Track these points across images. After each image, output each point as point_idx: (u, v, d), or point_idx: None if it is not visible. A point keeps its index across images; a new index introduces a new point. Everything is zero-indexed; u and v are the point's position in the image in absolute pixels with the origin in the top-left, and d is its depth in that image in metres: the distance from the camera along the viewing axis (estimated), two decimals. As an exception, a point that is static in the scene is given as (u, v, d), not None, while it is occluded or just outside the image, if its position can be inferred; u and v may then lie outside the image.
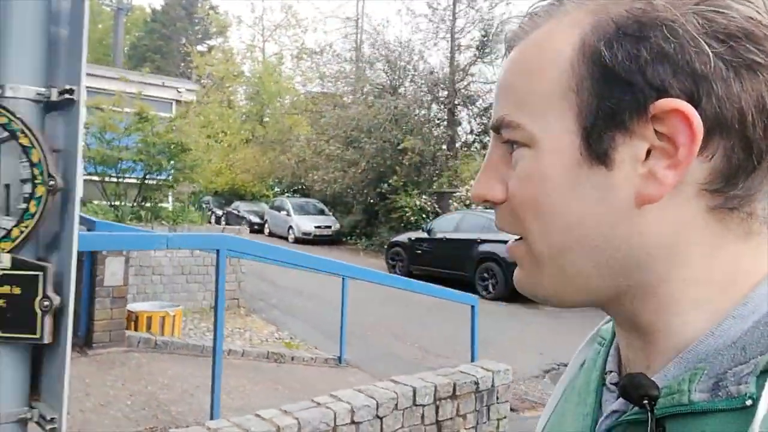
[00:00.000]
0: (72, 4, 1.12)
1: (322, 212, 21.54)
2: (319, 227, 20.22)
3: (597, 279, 0.50)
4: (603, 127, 0.46)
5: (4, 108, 1.09)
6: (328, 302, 9.58)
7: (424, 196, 18.20)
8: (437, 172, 19.16)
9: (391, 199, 18.86)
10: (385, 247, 15.95)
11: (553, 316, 10.60)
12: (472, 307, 4.90)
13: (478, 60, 21.29)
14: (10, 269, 1.08)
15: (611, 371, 0.58)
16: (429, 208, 17.97)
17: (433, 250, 13.73)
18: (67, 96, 1.11)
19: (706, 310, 0.48)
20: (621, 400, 0.52)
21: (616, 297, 0.51)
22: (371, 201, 20.08)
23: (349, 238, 20.75)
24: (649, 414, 0.46)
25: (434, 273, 12.94)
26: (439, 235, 13.69)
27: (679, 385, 0.46)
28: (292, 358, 6.14)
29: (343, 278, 6.16)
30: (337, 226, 20.81)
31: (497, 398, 4.34)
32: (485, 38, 20.81)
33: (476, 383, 4.16)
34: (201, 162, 12.22)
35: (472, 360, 4.83)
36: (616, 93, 0.45)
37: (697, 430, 0.44)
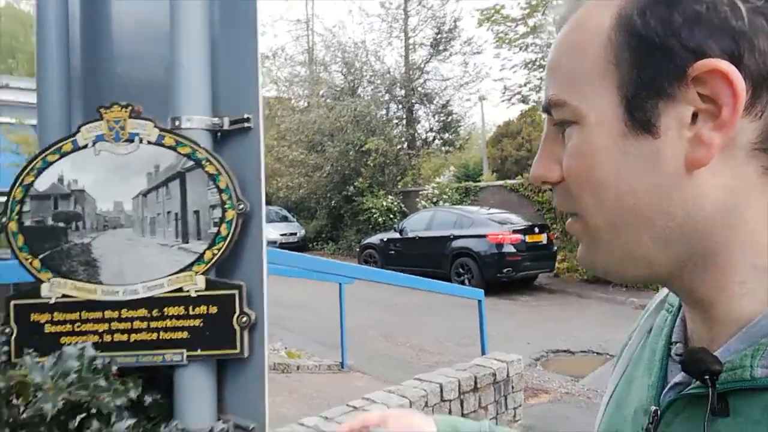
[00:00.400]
0: (242, 39, 1.18)
1: (285, 219, 21.37)
2: (284, 235, 20.06)
3: (655, 250, 0.49)
4: (645, 96, 0.46)
5: (186, 138, 1.15)
6: (312, 309, 9.58)
7: (390, 197, 18.34)
8: (401, 171, 19.33)
9: (357, 202, 18.92)
10: (358, 249, 16.01)
11: (530, 306, 10.92)
12: (479, 301, 5.06)
13: (433, 57, 21.59)
14: (205, 290, 1.14)
15: (677, 342, 0.58)
16: (396, 209, 18.12)
17: (407, 249, 13.88)
18: (244, 124, 1.17)
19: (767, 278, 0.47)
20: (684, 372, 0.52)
21: (677, 270, 0.50)
22: (335, 205, 20.07)
23: (315, 243, 20.69)
24: (711, 389, 0.46)
25: (409, 272, 13.11)
26: (411, 234, 13.85)
27: (742, 360, 0.46)
28: (298, 368, 6.17)
29: (340, 284, 6.21)
30: (302, 232, 20.72)
31: (512, 387, 4.51)
32: (438, 35, 21.12)
33: (494, 375, 4.31)
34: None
35: (483, 353, 4.98)
36: (654, 60, 0.45)
37: (759, 405, 0.44)
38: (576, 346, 7.97)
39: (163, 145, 1.16)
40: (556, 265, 12.91)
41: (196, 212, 1.16)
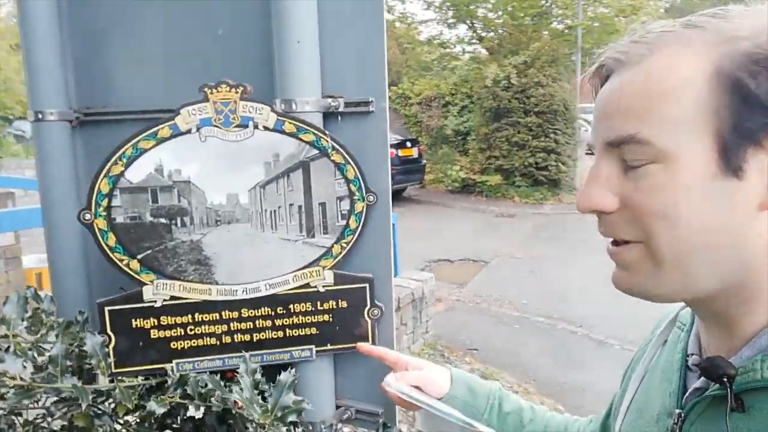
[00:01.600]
0: (370, 18, 1.07)
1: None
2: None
3: (711, 278, 0.55)
4: (740, 144, 0.51)
5: (309, 124, 1.06)
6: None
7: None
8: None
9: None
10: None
11: (406, 217, 11.44)
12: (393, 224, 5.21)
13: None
14: (333, 284, 1.11)
15: (693, 354, 0.65)
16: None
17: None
18: (366, 108, 1.10)
19: None
20: (703, 378, 0.60)
21: (714, 294, 0.56)
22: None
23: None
24: (729, 389, 0.54)
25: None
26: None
27: (753, 365, 0.54)
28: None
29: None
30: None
31: (426, 303, 4.84)
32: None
33: (412, 293, 4.58)
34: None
35: (395, 274, 5.22)
36: (754, 115, 0.50)
37: None
38: (453, 254, 8.61)
39: (282, 132, 1.05)
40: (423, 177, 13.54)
41: (322, 204, 1.09)
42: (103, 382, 1.08)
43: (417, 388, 0.98)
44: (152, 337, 1.07)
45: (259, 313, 1.09)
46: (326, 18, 1.07)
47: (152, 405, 0.92)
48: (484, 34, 14.84)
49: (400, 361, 1.03)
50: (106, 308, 1.05)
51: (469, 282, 7.39)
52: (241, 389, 0.91)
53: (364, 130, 1.11)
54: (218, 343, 1.09)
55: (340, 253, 1.10)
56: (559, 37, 13.41)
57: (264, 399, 0.93)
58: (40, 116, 1.16)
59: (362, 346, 1.08)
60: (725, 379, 0.54)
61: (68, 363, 0.98)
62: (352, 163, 1.08)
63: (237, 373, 0.95)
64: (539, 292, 6.63)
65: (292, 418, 0.91)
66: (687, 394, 0.62)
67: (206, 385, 0.97)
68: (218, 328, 1.08)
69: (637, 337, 5.36)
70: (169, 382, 0.97)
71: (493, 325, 5.74)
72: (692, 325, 0.68)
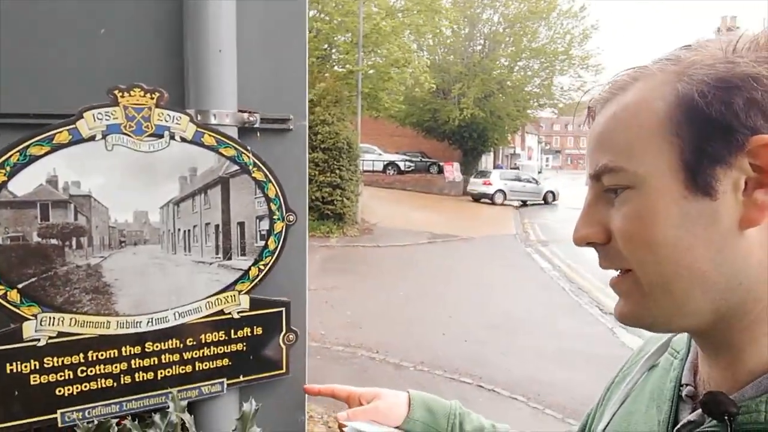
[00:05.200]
0: (292, 34, 1.06)
1: None
2: None
3: (702, 302, 0.54)
4: (706, 164, 0.52)
5: (231, 138, 1.01)
6: None
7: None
8: None
9: None
10: None
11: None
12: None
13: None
14: (249, 310, 1.04)
15: (687, 384, 0.63)
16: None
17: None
18: (285, 125, 1.08)
19: None
20: (698, 412, 0.58)
21: (712, 321, 0.55)
22: None
23: None
24: (729, 429, 0.52)
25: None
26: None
27: (756, 405, 0.52)
28: None
29: None
30: None
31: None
32: None
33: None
34: None
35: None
36: (716, 135, 0.51)
37: None
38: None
39: (201, 145, 0.97)
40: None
41: (241, 224, 1.02)
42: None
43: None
44: (32, 383, 0.87)
45: (166, 347, 0.97)
46: (245, 28, 1.03)
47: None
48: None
49: (352, 395, 0.97)
50: (-30, 352, 0.83)
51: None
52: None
53: (284, 147, 1.08)
54: (115, 384, 0.93)
55: (258, 275, 1.04)
56: (341, 80, 14.21)
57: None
58: None
59: (310, 388, 0.97)
60: (726, 417, 0.53)
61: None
62: (273, 181, 1.04)
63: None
64: (336, 322, 6.80)
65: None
66: (679, 426, 0.60)
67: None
68: (116, 367, 0.93)
69: (427, 358, 5.84)
70: (78, 433, 0.80)
71: (294, 358, 5.70)
72: (687, 354, 0.67)
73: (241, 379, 1.05)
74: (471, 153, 25.59)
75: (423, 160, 25.47)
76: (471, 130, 23.88)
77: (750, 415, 0.52)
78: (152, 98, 0.92)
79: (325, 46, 14.57)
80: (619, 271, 0.59)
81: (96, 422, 0.86)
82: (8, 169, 0.84)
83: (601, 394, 0.82)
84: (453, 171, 22.99)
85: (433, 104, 23.28)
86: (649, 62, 0.60)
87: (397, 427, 0.92)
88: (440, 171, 23.84)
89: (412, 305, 7.83)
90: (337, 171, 12.58)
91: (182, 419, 0.85)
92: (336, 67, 15.19)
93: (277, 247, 1.06)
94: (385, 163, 23.99)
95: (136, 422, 0.84)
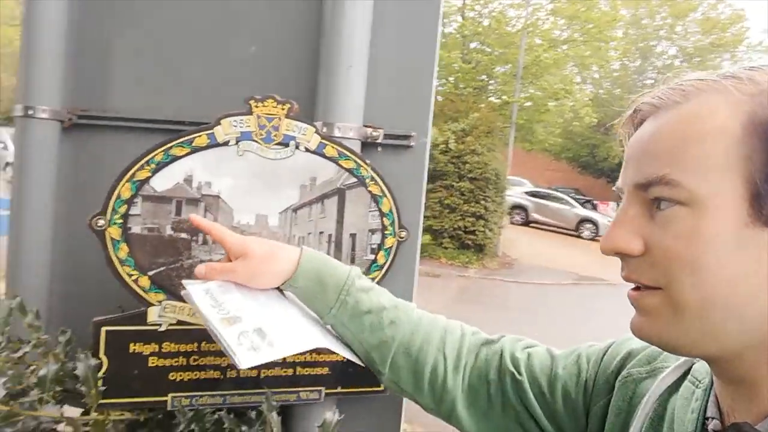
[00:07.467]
0: (422, 53, 1.06)
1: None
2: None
3: (734, 333, 0.52)
4: None
5: (351, 151, 1.02)
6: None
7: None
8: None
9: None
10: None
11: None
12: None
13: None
14: (354, 323, 1.04)
15: (713, 418, 0.61)
16: None
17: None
18: (404, 141, 1.07)
19: None
20: None
21: (740, 352, 0.54)
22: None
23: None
24: None
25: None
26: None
27: None
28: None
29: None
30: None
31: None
32: None
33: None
34: None
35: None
36: None
37: None
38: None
39: (323, 155, 1.00)
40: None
41: (353, 235, 1.04)
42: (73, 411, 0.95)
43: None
44: (150, 365, 0.95)
45: (272, 348, 1.00)
46: (379, 45, 1.06)
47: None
48: (426, 98, 15.39)
49: (224, 244, 0.81)
50: (104, 328, 0.92)
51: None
52: None
53: (403, 164, 1.08)
54: (222, 377, 0.98)
55: (366, 289, 1.04)
56: (496, 111, 14.13)
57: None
58: (29, 112, 1.05)
59: (193, 217, 0.84)
60: None
61: (57, 388, 0.85)
62: (389, 195, 1.04)
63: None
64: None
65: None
66: None
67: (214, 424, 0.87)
68: (224, 360, 0.98)
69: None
70: (179, 418, 0.86)
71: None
72: (711, 384, 0.64)
73: (339, 390, 1.05)
74: (630, 193, 23.91)
75: (577, 197, 24.37)
76: (632, 169, 22.35)
77: None
78: (283, 109, 0.98)
79: (483, 76, 14.61)
80: (643, 286, 0.56)
81: (195, 410, 0.91)
82: (153, 166, 0.93)
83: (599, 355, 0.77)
84: (609, 211, 21.64)
85: (593, 139, 22.26)
86: (714, 76, 0.56)
87: (277, 288, 0.79)
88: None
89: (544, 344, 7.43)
90: (482, 202, 12.44)
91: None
92: (491, 98, 15.14)
93: (386, 262, 1.05)
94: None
95: (231, 416, 0.87)
